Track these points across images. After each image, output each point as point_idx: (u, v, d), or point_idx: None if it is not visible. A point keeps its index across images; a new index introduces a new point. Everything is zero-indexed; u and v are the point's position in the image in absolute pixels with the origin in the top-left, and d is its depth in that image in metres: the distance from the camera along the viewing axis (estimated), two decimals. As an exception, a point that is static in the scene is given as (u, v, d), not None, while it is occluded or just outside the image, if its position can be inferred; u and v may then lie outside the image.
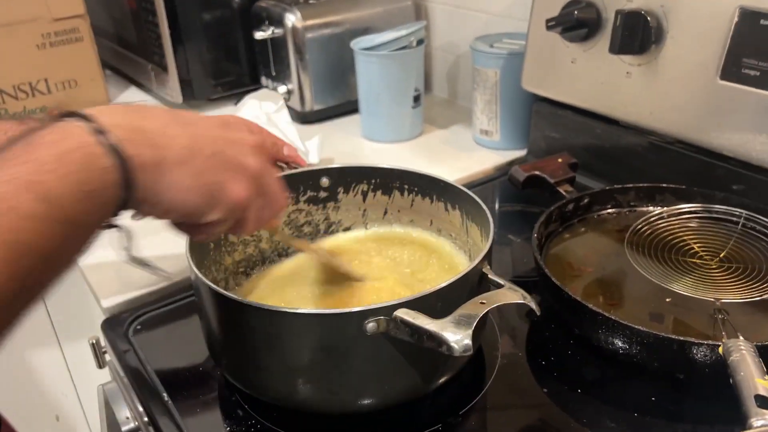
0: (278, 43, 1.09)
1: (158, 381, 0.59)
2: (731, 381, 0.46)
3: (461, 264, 0.66)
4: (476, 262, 0.52)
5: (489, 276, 0.52)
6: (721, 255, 0.67)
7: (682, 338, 0.51)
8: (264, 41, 1.11)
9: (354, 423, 0.54)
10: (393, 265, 0.68)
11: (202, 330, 0.58)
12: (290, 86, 1.11)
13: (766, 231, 0.68)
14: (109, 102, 1.25)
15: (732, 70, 0.66)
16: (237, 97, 1.20)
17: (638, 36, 0.72)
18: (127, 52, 1.30)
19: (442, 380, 0.54)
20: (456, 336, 0.43)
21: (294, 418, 0.54)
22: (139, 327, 0.66)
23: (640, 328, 0.53)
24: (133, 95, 1.30)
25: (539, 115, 0.92)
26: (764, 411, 0.41)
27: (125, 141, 0.39)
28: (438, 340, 0.44)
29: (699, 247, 0.68)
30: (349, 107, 1.13)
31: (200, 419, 0.55)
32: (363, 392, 0.51)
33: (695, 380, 0.54)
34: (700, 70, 0.69)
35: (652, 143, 0.79)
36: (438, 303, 0.48)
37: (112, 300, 0.69)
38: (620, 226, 0.73)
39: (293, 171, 0.70)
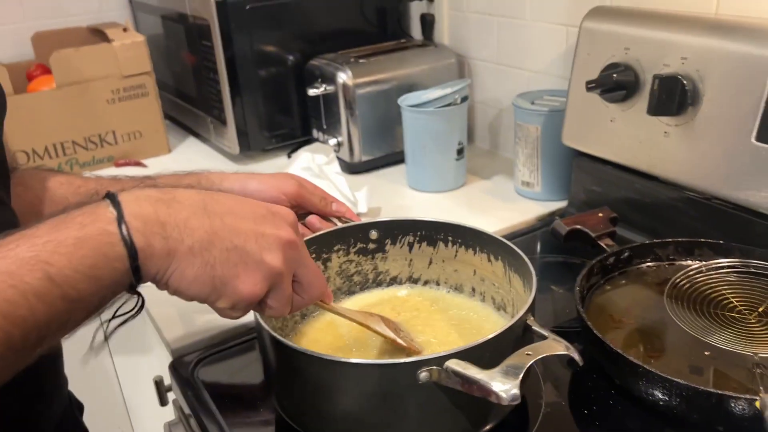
0: (330, 99, 1.16)
1: (222, 420, 0.64)
2: (768, 434, 0.48)
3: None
4: (521, 314, 0.56)
5: (533, 327, 0.56)
6: (760, 309, 0.69)
7: (720, 392, 0.54)
8: (316, 97, 1.18)
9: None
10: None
11: (263, 372, 0.62)
12: (340, 139, 1.17)
13: (804, 287, 0.70)
14: (170, 151, 1.34)
15: (766, 132, 0.69)
16: (290, 148, 1.28)
17: (675, 98, 0.76)
18: (187, 105, 1.39)
19: (489, 427, 0.57)
20: (504, 386, 0.47)
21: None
22: (203, 368, 0.71)
23: (678, 380, 0.55)
24: (192, 145, 1.38)
25: (580, 169, 0.96)
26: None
27: (141, 233, 0.43)
28: (487, 390, 0.48)
29: (738, 301, 0.70)
30: (395, 158, 1.19)
31: (262, 457, 0.60)
32: (415, 437, 0.55)
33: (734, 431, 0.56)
34: (735, 131, 0.72)
35: (690, 198, 0.82)
36: (486, 354, 0.52)
37: (180, 342, 0.74)
38: (660, 279, 0.76)
39: (345, 225, 0.75)
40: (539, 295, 0.61)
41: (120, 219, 0.42)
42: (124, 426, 1.25)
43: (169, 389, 0.78)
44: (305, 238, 0.70)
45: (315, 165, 1.07)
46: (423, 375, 0.51)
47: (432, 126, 1.04)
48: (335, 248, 0.74)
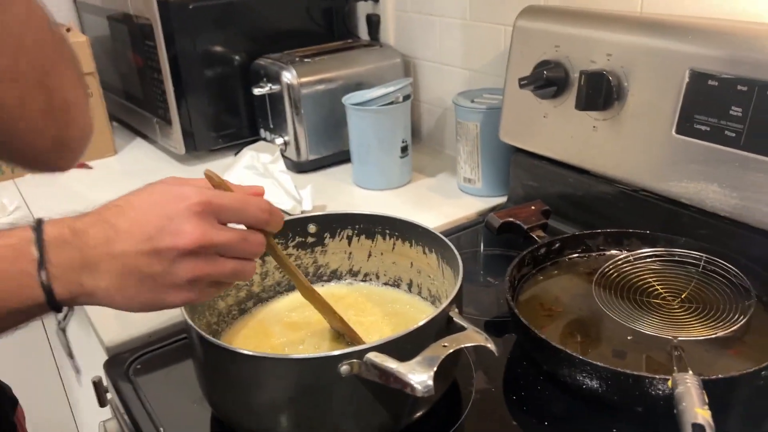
0: (275, 98, 1.17)
1: (156, 418, 0.63)
2: (675, 411, 0.50)
3: None
4: (443, 306, 0.57)
5: (455, 319, 0.57)
6: (683, 296, 0.71)
7: (636, 373, 0.56)
8: (262, 96, 1.18)
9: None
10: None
11: (194, 371, 0.62)
12: (287, 138, 1.18)
13: (724, 273, 0.72)
14: (116, 152, 1.32)
15: (685, 125, 0.72)
16: (237, 148, 1.28)
17: (601, 94, 0.78)
18: (133, 106, 1.37)
19: (414, 417, 0.58)
20: (419, 377, 0.48)
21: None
22: (139, 366, 0.71)
23: (597, 363, 0.57)
24: (139, 146, 1.37)
25: (517, 165, 0.98)
26: (698, 437, 0.46)
27: (60, 280, 0.46)
28: (402, 382, 0.48)
29: (662, 288, 0.73)
30: (342, 157, 1.19)
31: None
32: (341, 430, 0.56)
33: (652, 413, 0.58)
34: (657, 125, 0.75)
35: (620, 191, 0.84)
36: (408, 346, 0.52)
37: (115, 340, 0.74)
38: (589, 269, 0.78)
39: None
40: (480, 287, 0.63)
41: (41, 263, 0.45)
42: (68, 425, 1.23)
43: (108, 390, 0.77)
44: None
45: (259, 164, 1.07)
46: (344, 368, 0.51)
47: (375, 124, 1.05)
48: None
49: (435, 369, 0.48)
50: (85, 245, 0.46)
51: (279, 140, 1.19)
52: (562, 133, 0.86)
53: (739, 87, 0.67)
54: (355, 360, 0.51)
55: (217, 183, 0.51)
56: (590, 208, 0.88)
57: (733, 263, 0.71)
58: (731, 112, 0.68)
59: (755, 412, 0.59)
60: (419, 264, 0.74)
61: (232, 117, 1.27)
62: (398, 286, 0.77)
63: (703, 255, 0.74)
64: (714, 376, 0.55)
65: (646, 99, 0.76)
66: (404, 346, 0.52)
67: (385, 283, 0.78)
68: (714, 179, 0.71)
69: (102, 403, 0.79)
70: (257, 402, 0.55)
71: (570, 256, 0.80)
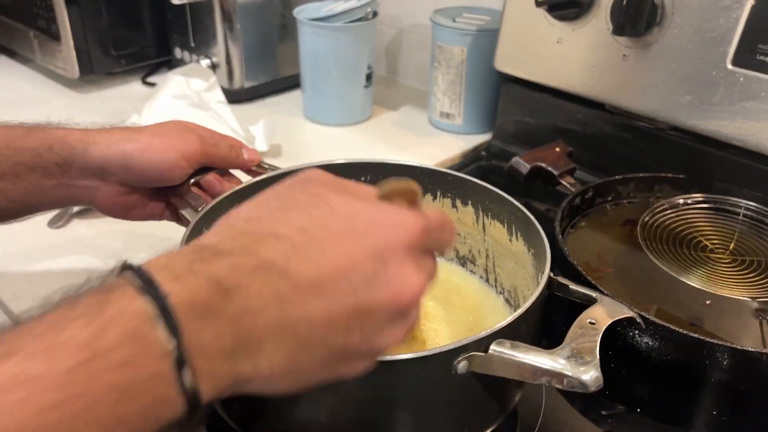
0: (199, 9, 0.93)
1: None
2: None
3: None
4: (546, 270, 0.45)
5: (559, 280, 0.46)
6: (731, 247, 0.64)
7: (741, 347, 0.48)
8: (181, 6, 0.95)
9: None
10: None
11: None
12: (215, 60, 0.96)
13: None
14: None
15: (746, 55, 0.63)
16: (143, 71, 1.03)
17: (642, 16, 0.67)
18: (-6, 14, 1.06)
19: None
20: (587, 375, 0.36)
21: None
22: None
23: (707, 339, 0.48)
24: (8, 68, 1.07)
25: (508, 98, 0.86)
26: None
27: (208, 378, 0.26)
28: (561, 377, 0.36)
29: (708, 240, 0.65)
30: (284, 84, 1.00)
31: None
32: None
33: (759, 390, 0.51)
34: (708, 55, 0.66)
35: (640, 130, 0.75)
36: (522, 326, 0.41)
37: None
38: (621, 220, 0.69)
39: (262, 177, 0.57)
40: None
41: (180, 361, 0.25)
42: None
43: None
44: (221, 197, 0.52)
45: (192, 92, 0.86)
46: (461, 364, 0.38)
47: (337, 45, 0.87)
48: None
49: (598, 356, 0.37)
50: (245, 312, 0.27)
51: (204, 62, 0.96)
52: (580, 62, 0.75)
53: (819, 12, 0.59)
54: (474, 352, 0.37)
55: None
56: (602, 148, 0.79)
57: (781, 211, 0.65)
58: (805, 41, 0.60)
59: None
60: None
61: (135, 33, 1.01)
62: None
63: (742, 201, 0.68)
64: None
65: (695, 24, 0.66)
66: (519, 329, 0.40)
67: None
68: (778, 118, 0.63)
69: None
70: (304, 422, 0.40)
71: (601, 206, 0.70)
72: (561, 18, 0.74)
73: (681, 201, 0.69)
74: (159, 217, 0.57)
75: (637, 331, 0.52)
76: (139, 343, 0.25)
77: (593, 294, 0.44)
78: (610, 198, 0.70)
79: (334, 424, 0.41)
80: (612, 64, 0.72)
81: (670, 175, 0.70)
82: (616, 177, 0.70)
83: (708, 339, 0.48)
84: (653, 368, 0.52)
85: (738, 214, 0.68)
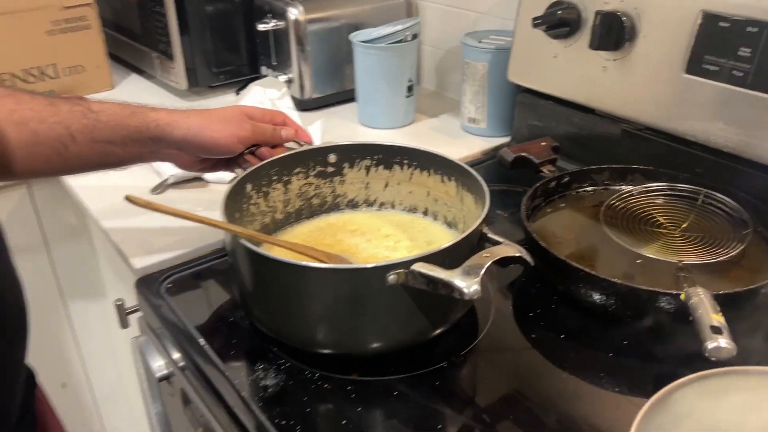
0: (280, 35, 1.17)
1: (192, 330, 0.66)
2: (690, 318, 0.56)
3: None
4: (478, 222, 0.60)
5: (489, 235, 0.61)
6: (683, 226, 0.76)
7: (651, 288, 0.61)
8: (266, 32, 1.18)
9: (369, 361, 0.62)
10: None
11: (234, 285, 0.65)
12: (291, 75, 1.18)
13: (721, 206, 0.77)
14: (113, 87, 1.31)
15: (695, 65, 0.76)
16: (236, 86, 1.28)
17: (614, 34, 0.81)
18: (129, 41, 1.35)
19: (446, 327, 0.62)
20: (466, 282, 0.52)
21: (315, 357, 0.62)
22: (170, 285, 0.73)
23: (616, 280, 0.62)
24: (136, 82, 1.36)
25: (523, 105, 1.01)
26: (716, 336, 0.51)
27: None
28: (451, 287, 0.52)
29: (664, 219, 0.78)
30: (345, 96, 1.21)
31: (234, 360, 0.63)
32: (379, 336, 0.60)
33: (660, 326, 0.63)
34: (667, 65, 0.79)
35: (624, 130, 0.88)
36: (446, 259, 0.56)
37: (142, 262, 0.76)
38: (596, 202, 0.82)
39: (303, 149, 0.78)
40: (490, 220, 0.67)
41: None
42: (74, 359, 1.25)
43: (130, 311, 0.79)
44: (264, 162, 0.73)
45: (267, 99, 1.08)
46: (391, 277, 0.55)
47: (383, 62, 1.07)
48: (295, 171, 0.77)
49: (481, 275, 0.52)
50: None
51: (282, 78, 1.19)
52: (572, 73, 0.90)
53: (749, 28, 0.71)
54: (402, 270, 0.54)
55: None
56: (594, 147, 0.92)
57: (732, 197, 0.76)
58: (740, 52, 0.72)
59: (754, 326, 0.65)
60: (436, 193, 0.77)
61: (232, 54, 1.26)
62: (414, 213, 0.80)
63: (703, 189, 0.79)
64: (721, 291, 0.60)
65: (657, 40, 0.80)
66: (444, 259, 0.56)
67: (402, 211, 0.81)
68: (720, 118, 0.75)
69: (124, 324, 0.81)
70: (301, 311, 0.59)
71: (577, 190, 0.84)
72: (555, 36, 0.89)
73: (647, 188, 0.82)
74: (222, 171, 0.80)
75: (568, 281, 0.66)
76: None
77: (501, 240, 0.59)
78: (586, 185, 0.84)
79: (321, 317, 0.59)
80: (595, 75, 0.87)
81: (640, 166, 0.83)
82: (592, 167, 0.84)
83: (602, 275, 0.62)
84: (576, 305, 0.67)
85: (697, 200, 0.80)
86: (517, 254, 0.57)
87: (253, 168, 0.72)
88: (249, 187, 0.72)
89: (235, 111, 0.76)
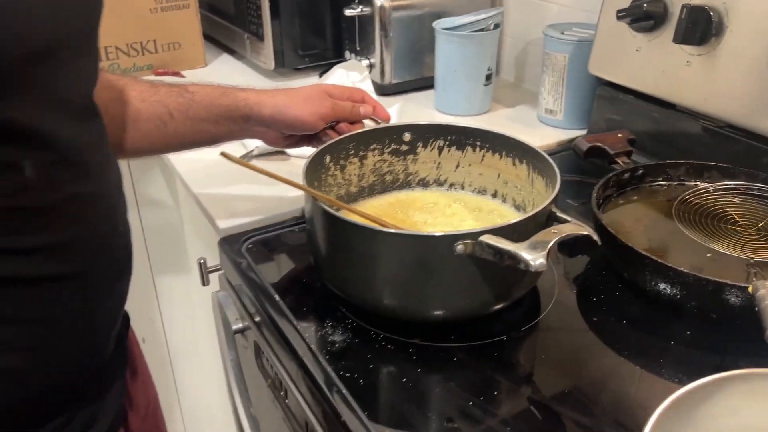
0: (365, 20, 1.21)
1: (269, 287, 0.71)
2: (756, 309, 0.55)
3: None
4: (547, 202, 0.62)
5: (558, 214, 0.62)
6: (759, 225, 0.75)
7: (718, 279, 0.61)
8: (352, 18, 1.23)
9: (431, 328, 0.65)
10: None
11: (309, 247, 0.70)
12: (372, 60, 1.22)
13: (802, 208, 0.76)
14: (206, 65, 1.39)
15: (783, 62, 0.75)
16: (320, 69, 1.33)
17: (700, 29, 0.81)
18: (222, 21, 1.43)
19: (509, 302, 0.64)
20: (532, 255, 0.54)
21: (381, 320, 0.65)
22: (250, 246, 0.78)
23: (682, 269, 0.63)
24: (227, 61, 1.43)
25: (602, 98, 1.01)
26: (781, 326, 0.51)
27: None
28: (517, 259, 0.54)
29: (739, 217, 0.77)
30: (423, 83, 1.24)
31: (305, 316, 0.67)
32: (443, 304, 0.62)
33: (726, 319, 0.63)
34: (754, 61, 0.78)
35: (704, 127, 0.87)
36: (514, 234, 0.58)
37: (226, 224, 0.82)
38: (669, 197, 0.82)
39: (380, 126, 0.82)
40: (561, 208, 0.68)
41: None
42: (155, 316, 1.34)
43: (212, 270, 0.85)
44: (343, 136, 0.77)
45: (349, 82, 1.12)
46: (459, 247, 0.57)
47: (464, 50, 1.09)
48: (371, 147, 0.80)
49: (548, 248, 0.54)
50: None
51: (365, 62, 1.23)
52: (654, 67, 0.89)
53: (844, 26, 0.69)
54: (470, 240, 0.57)
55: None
56: (672, 142, 0.92)
57: (813, 199, 0.75)
58: (832, 50, 0.70)
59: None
60: (507, 175, 0.79)
61: (318, 38, 1.31)
62: (484, 194, 0.82)
63: (783, 191, 0.78)
64: (791, 288, 0.59)
65: (745, 36, 0.78)
66: (512, 234, 0.58)
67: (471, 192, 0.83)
68: (806, 116, 0.73)
69: (205, 282, 0.87)
70: (371, 275, 0.62)
71: (651, 184, 0.84)
72: (639, 29, 0.89)
73: (724, 186, 0.81)
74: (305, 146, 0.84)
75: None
76: None
77: (569, 219, 0.61)
78: (660, 179, 0.84)
79: (389, 281, 0.62)
80: (677, 70, 0.86)
81: (718, 163, 0.82)
82: (668, 161, 0.84)
83: (673, 266, 0.63)
84: (641, 293, 0.67)
85: (777, 201, 0.78)
86: (584, 233, 0.58)
87: (333, 141, 0.76)
88: (328, 158, 0.76)
89: (317, 89, 0.80)
